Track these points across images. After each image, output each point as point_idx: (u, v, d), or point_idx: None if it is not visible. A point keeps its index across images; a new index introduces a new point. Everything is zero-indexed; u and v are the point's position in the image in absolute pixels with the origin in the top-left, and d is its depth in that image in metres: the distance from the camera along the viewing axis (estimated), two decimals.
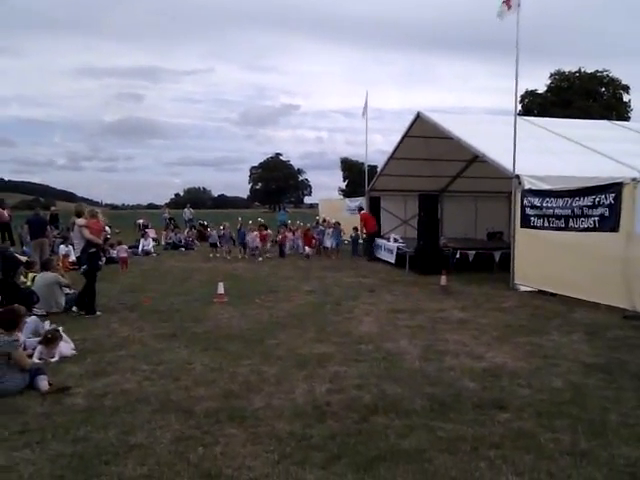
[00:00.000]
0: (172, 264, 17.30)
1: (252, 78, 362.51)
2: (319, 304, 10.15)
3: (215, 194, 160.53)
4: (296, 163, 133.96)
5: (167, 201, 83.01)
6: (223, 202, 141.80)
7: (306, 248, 19.53)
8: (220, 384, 5.60)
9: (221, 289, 10.64)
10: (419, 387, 5.46)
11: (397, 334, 7.77)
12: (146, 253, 20.17)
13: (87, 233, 9.16)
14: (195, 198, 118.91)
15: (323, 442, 4.20)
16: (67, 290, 9.79)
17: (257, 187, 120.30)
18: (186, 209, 31.21)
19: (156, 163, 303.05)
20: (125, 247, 17.22)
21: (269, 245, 19.82)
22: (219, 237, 19.85)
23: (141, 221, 29.41)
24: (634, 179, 9.08)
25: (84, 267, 9.33)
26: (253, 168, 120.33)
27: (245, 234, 19.34)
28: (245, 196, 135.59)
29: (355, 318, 8.91)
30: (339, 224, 20.38)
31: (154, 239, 22.94)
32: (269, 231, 20.15)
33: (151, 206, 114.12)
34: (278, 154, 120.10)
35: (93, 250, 9.22)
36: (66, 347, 6.75)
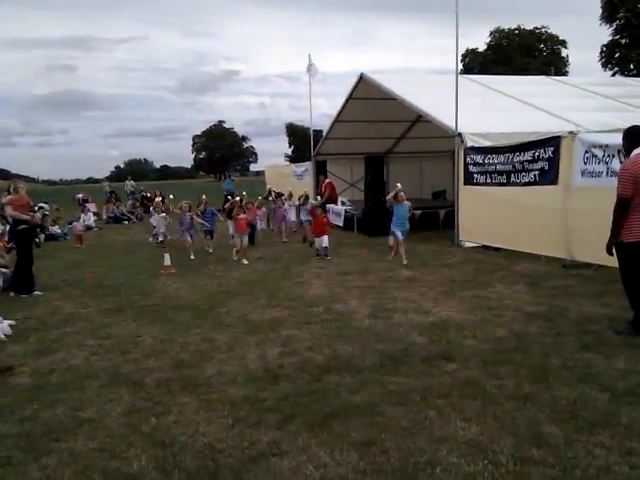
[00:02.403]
0: (115, 238, 16.87)
1: (190, 44, 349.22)
2: (269, 271, 10.12)
3: (157, 165, 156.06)
4: (240, 130, 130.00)
5: (107, 174, 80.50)
6: (166, 173, 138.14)
7: (316, 240, 11.67)
8: (170, 354, 5.53)
9: (168, 260, 10.43)
10: (369, 344, 5.55)
11: (347, 295, 7.85)
12: (87, 228, 19.54)
13: (10, 210, 8.88)
14: (137, 170, 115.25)
15: (277, 404, 4.22)
16: (4, 270, 9.39)
17: (201, 156, 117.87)
18: (127, 181, 30.44)
19: (93, 136, 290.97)
20: (81, 223, 17.03)
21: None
22: (180, 224, 12.69)
23: (80, 195, 28.51)
24: (571, 132, 9.33)
25: (10, 244, 9.10)
26: (196, 137, 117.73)
27: (212, 217, 13.17)
28: (189, 166, 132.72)
29: (305, 282, 8.93)
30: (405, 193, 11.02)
31: (95, 213, 22.34)
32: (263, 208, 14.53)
33: (90, 180, 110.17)
34: (221, 121, 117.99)
35: (22, 227, 8.87)
36: (4, 327, 6.48)
